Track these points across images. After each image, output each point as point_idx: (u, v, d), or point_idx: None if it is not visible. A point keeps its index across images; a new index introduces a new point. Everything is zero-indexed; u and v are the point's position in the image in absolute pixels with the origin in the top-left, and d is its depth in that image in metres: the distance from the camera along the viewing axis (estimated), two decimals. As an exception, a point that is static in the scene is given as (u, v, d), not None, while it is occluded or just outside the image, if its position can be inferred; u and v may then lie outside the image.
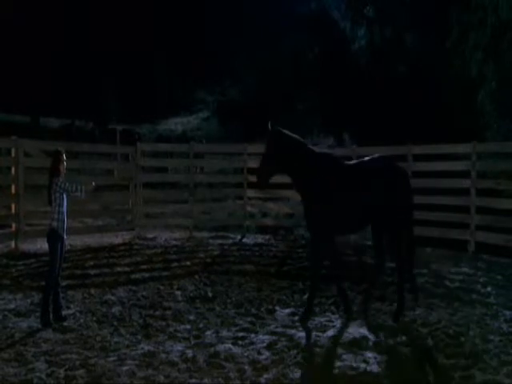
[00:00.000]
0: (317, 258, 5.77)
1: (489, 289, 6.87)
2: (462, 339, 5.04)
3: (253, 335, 5.12)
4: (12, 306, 5.98)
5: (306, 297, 6.45)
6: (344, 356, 4.62)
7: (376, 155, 6.07)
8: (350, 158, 6.35)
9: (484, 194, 9.32)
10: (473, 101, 13.75)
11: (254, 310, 5.94)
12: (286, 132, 5.76)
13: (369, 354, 4.66)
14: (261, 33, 27.82)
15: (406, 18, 18.31)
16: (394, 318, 5.60)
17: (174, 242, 10.13)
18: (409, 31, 18.41)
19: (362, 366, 4.42)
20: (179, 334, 5.13)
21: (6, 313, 5.70)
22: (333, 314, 5.85)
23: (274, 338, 5.05)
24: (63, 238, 5.49)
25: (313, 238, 5.82)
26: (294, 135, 5.80)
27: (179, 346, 4.81)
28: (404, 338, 5.08)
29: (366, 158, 5.98)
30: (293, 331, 5.25)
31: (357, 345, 4.86)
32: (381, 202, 5.56)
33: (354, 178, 5.68)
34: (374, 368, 4.39)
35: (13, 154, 8.88)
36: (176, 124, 32.25)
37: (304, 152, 5.69)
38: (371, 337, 5.08)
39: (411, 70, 17.17)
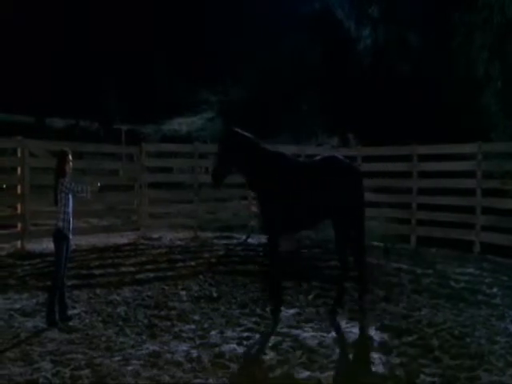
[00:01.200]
0: (275, 255, 5.87)
1: (494, 290, 6.84)
2: (468, 340, 5.02)
3: (258, 335, 5.13)
4: (18, 305, 6.00)
5: (310, 297, 6.47)
6: (349, 356, 4.61)
7: (329, 154, 6.15)
8: (313, 157, 6.45)
9: (490, 195, 9.28)
10: (478, 101, 13.71)
11: (258, 311, 5.94)
12: (240, 131, 5.87)
13: (374, 355, 4.66)
14: (263, 33, 27.82)
15: (410, 18, 18.26)
16: (334, 303, 5.81)
17: (179, 242, 10.14)
18: (413, 31, 18.36)
19: (368, 366, 4.41)
20: (184, 334, 5.14)
21: (11, 312, 5.73)
22: (338, 314, 5.83)
23: (279, 338, 5.05)
24: (69, 238, 5.51)
25: (269, 236, 5.89)
26: (248, 135, 5.90)
27: (184, 346, 4.82)
28: (409, 338, 5.06)
29: (319, 157, 6.09)
30: (298, 331, 5.25)
31: (362, 345, 4.85)
32: (332, 199, 5.67)
33: (306, 177, 5.77)
34: (380, 369, 4.38)
35: (18, 155, 8.92)
36: (180, 124, 32.32)
37: (257, 152, 5.78)
38: (376, 337, 5.07)
39: (416, 69, 17.13)
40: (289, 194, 5.68)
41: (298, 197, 5.68)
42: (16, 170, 9.00)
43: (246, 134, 5.89)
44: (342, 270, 5.98)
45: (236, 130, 5.88)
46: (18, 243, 8.92)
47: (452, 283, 7.21)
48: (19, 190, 8.87)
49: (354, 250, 5.87)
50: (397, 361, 4.54)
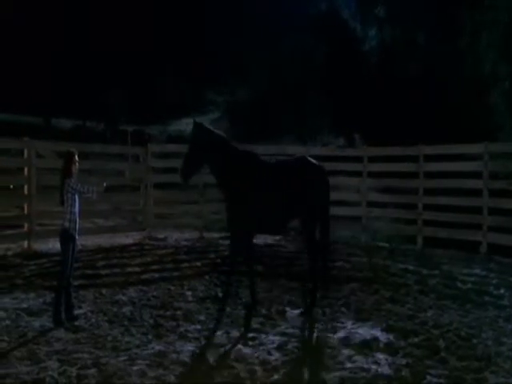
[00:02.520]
0: (236, 255, 5.98)
1: (501, 290, 6.80)
2: (475, 341, 4.99)
3: (263, 336, 5.12)
4: (25, 305, 6.04)
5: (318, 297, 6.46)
6: (355, 357, 4.60)
7: (299, 155, 6.21)
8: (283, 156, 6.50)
9: (496, 195, 9.22)
10: (485, 101, 13.64)
11: (264, 311, 5.93)
12: (210, 128, 5.94)
13: (380, 356, 4.64)
14: (269, 33, 27.86)
15: (417, 18, 18.21)
16: (309, 305, 5.80)
17: (185, 243, 10.15)
18: (420, 31, 18.31)
19: (373, 367, 4.40)
20: (190, 334, 5.15)
21: (18, 312, 5.76)
22: (343, 314, 5.83)
23: (285, 338, 5.04)
24: (75, 238, 5.54)
25: (232, 236, 5.97)
26: (217, 132, 5.95)
27: (190, 346, 4.83)
28: (415, 339, 5.04)
29: (288, 158, 6.15)
30: (303, 332, 5.24)
31: (368, 346, 4.84)
32: (299, 199, 5.70)
33: (273, 177, 5.81)
34: (385, 370, 4.36)
35: (25, 155, 8.97)
36: (186, 125, 32.36)
37: (226, 150, 5.83)
38: (382, 338, 5.05)
39: (422, 69, 17.07)
40: (256, 193, 5.73)
41: (265, 197, 5.72)
42: (23, 170, 9.05)
43: (215, 131, 5.97)
44: (312, 270, 5.98)
45: (205, 126, 5.95)
46: (25, 243, 8.97)
47: (458, 284, 7.17)
48: (26, 191, 8.92)
49: (319, 248, 5.89)
50: (403, 362, 4.52)
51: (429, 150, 10.00)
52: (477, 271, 7.95)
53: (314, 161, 6.04)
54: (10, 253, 8.63)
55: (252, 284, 5.97)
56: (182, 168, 5.86)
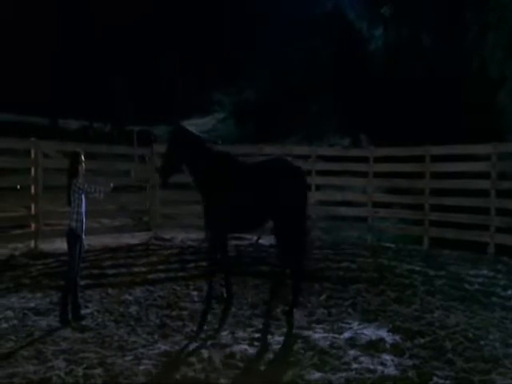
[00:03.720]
0: (215, 255, 6.00)
1: (509, 292, 6.76)
2: (482, 343, 4.96)
3: (269, 336, 5.12)
4: (32, 304, 6.07)
5: (322, 298, 6.45)
6: (361, 358, 4.58)
7: (275, 156, 6.22)
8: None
9: (504, 196, 9.16)
10: (493, 101, 13.56)
11: (269, 311, 5.93)
12: (188, 130, 5.97)
13: (386, 357, 4.62)
14: (276, 33, 27.84)
15: (423, 18, 18.14)
16: (287, 312, 5.73)
17: (191, 243, 10.17)
18: (426, 31, 18.23)
19: (380, 368, 4.38)
20: (195, 334, 5.16)
21: (25, 311, 5.79)
22: (349, 315, 5.81)
23: (290, 339, 5.03)
24: (82, 238, 5.56)
25: (212, 236, 6.00)
26: (195, 133, 5.99)
27: (195, 346, 4.84)
28: (422, 340, 5.02)
29: (265, 159, 6.14)
30: (309, 332, 5.23)
31: (374, 347, 4.82)
32: (276, 200, 5.69)
33: (250, 178, 5.84)
34: (392, 371, 4.34)
35: (32, 156, 9.03)
36: (192, 125, 32.43)
37: (202, 151, 5.85)
38: (388, 339, 5.03)
39: (429, 70, 16.99)
40: (233, 194, 5.75)
41: (242, 197, 5.73)
42: (30, 170, 9.11)
43: (193, 132, 6.02)
44: (281, 271, 6.03)
45: (183, 127, 5.99)
46: (32, 243, 9.03)
47: (465, 285, 7.13)
48: (33, 191, 8.97)
49: (296, 249, 5.88)
50: (409, 363, 4.50)
51: (435, 150, 9.96)
52: (484, 272, 7.91)
53: (290, 161, 6.06)
54: (17, 252, 8.69)
55: (228, 284, 6.01)
56: (160, 168, 5.92)
